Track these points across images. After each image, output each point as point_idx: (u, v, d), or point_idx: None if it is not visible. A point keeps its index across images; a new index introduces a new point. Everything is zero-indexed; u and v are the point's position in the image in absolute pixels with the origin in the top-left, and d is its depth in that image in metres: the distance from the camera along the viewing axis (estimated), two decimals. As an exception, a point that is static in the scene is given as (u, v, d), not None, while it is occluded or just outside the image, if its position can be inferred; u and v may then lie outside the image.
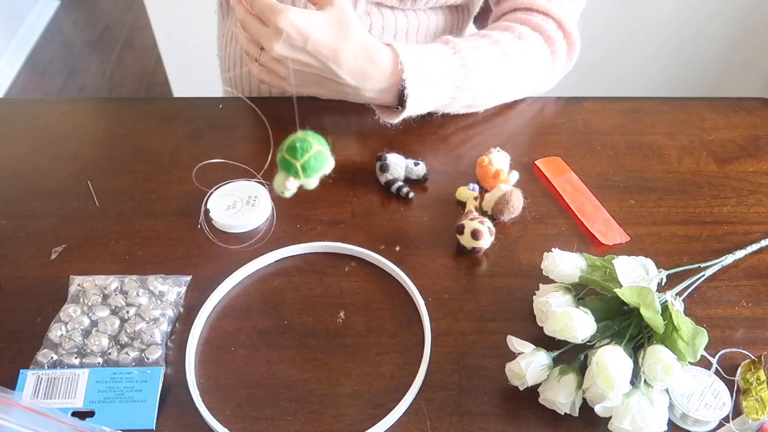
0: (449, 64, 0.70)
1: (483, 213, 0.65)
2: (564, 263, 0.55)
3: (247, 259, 0.61)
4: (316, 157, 0.46)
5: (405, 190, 0.67)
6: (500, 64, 0.73)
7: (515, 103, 0.80)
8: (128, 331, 0.54)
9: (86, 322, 0.55)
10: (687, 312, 0.56)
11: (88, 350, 0.53)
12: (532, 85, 0.79)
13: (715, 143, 0.75)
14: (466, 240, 0.61)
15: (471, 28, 0.92)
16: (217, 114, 0.79)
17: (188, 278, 0.59)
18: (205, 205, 0.65)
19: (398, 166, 0.68)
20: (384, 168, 0.67)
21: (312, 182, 0.47)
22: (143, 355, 0.53)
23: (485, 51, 0.72)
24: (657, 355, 0.48)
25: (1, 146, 0.76)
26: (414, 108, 0.70)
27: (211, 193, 0.66)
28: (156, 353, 0.53)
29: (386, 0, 0.77)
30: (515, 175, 0.68)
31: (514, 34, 0.74)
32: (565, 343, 0.51)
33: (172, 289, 0.58)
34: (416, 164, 0.69)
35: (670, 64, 1.87)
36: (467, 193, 0.66)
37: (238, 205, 0.65)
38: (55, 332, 0.54)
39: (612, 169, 0.71)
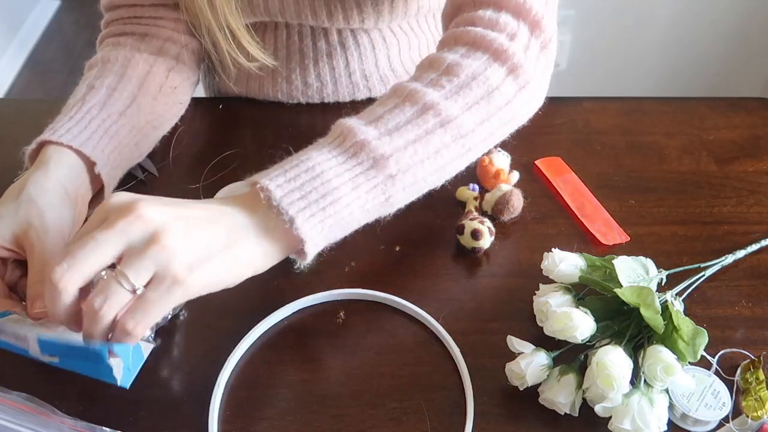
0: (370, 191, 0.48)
1: (483, 213, 0.65)
2: (564, 263, 0.55)
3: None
4: None
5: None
6: (439, 140, 0.50)
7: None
8: None
9: None
10: (687, 312, 0.56)
11: None
12: (504, 123, 0.55)
13: (715, 143, 0.75)
14: (466, 240, 0.61)
15: None
16: (218, 114, 0.79)
17: None
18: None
19: None
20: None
21: None
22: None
23: (412, 137, 0.49)
24: (657, 355, 0.48)
25: (1, 146, 0.75)
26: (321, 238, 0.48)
27: (216, 192, 0.66)
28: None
29: (351, 23, 0.74)
30: (515, 175, 0.68)
31: (442, 69, 0.53)
32: (565, 343, 0.51)
33: None
34: None
35: (670, 64, 1.87)
36: (467, 193, 0.66)
37: None
38: None
39: (612, 169, 0.71)
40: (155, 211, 0.42)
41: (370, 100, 0.80)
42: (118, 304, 0.41)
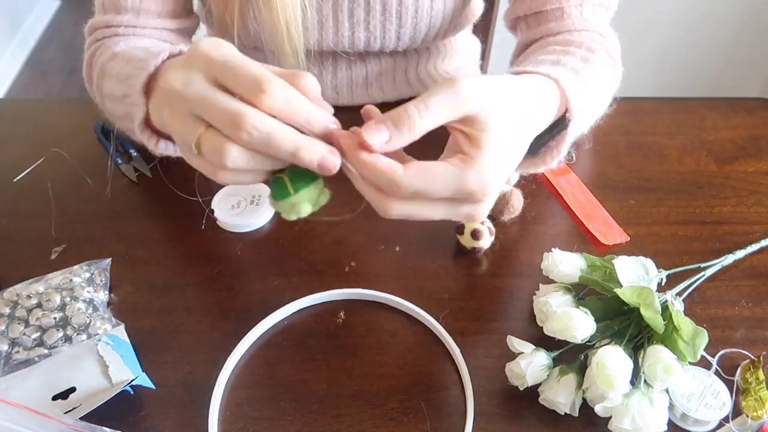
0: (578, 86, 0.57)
1: (483, 213, 0.65)
2: (564, 263, 0.55)
3: (248, 260, 0.61)
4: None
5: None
6: (598, 82, 0.61)
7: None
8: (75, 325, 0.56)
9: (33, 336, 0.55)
10: (687, 312, 0.56)
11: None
12: (607, 102, 0.67)
13: (715, 143, 0.75)
14: (466, 240, 0.61)
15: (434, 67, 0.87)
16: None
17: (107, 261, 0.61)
18: (210, 204, 0.65)
19: None
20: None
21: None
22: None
23: (588, 68, 0.60)
24: (657, 355, 0.48)
25: (1, 146, 0.76)
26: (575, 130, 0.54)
27: (216, 192, 0.66)
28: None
29: (337, 48, 0.75)
30: (515, 175, 0.68)
31: (582, 49, 0.63)
32: (565, 343, 0.51)
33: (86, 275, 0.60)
34: None
35: (670, 64, 1.87)
36: (467, 193, 0.66)
37: (242, 205, 0.65)
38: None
39: (612, 169, 0.71)
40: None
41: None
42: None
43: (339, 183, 0.69)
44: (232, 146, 0.39)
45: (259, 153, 0.40)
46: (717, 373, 0.53)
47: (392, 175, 0.40)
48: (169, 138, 0.55)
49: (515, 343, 0.51)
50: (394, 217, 0.43)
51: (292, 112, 0.40)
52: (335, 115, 0.43)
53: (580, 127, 0.55)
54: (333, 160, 0.41)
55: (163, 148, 0.56)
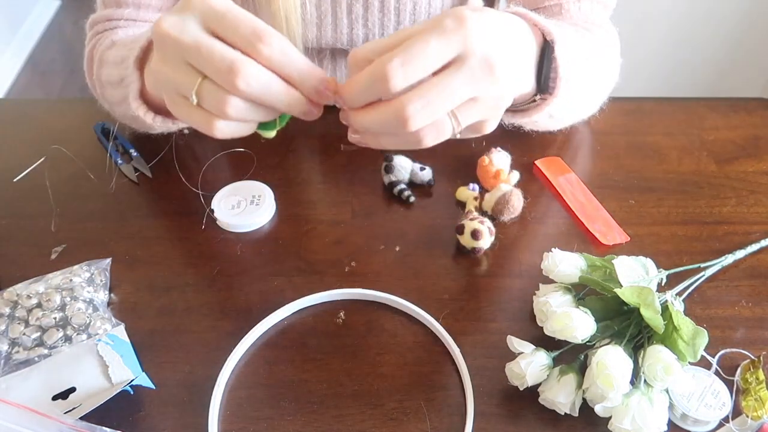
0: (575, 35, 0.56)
1: (483, 213, 0.65)
2: (564, 263, 0.55)
3: (248, 260, 0.61)
4: None
5: (406, 194, 0.67)
6: (592, 45, 0.61)
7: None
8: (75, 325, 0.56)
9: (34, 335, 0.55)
10: (687, 312, 0.56)
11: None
12: (611, 84, 0.69)
13: (715, 143, 0.75)
14: (466, 240, 0.61)
15: None
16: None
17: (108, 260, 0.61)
18: (210, 204, 0.65)
19: (403, 168, 0.67)
20: (388, 169, 0.67)
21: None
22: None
23: (577, 32, 0.59)
24: (657, 355, 0.48)
25: (2, 146, 0.76)
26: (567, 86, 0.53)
27: (216, 192, 0.66)
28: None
29: (336, 44, 0.76)
30: (515, 175, 0.68)
31: (576, 25, 0.64)
32: (565, 343, 0.51)
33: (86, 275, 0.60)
34: (422, 169, 0.68)
35: (670, 64, 1.87)
36: (467, 193, 0.66)
37: (243, 205, 0.65)
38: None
39: (612, 169, 0.71)
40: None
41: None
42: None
43: (339, 185, 0.69)
44: (233, 95, 0.40)
45: (255, 103, 0.41)
46: (717, 373, 0.53)
47: (379, 61, 0.40)
48: (165, 113, 0.55)
49: (515, 343, 0.51)
50: (417, 115, 0.40)
51: (288, 64, 0.41)
52: (334, 113, 0.43)
53: (570, 61, 0.52)
54: (314, 111, 0.43)
55: (160, 123, 0.56)
